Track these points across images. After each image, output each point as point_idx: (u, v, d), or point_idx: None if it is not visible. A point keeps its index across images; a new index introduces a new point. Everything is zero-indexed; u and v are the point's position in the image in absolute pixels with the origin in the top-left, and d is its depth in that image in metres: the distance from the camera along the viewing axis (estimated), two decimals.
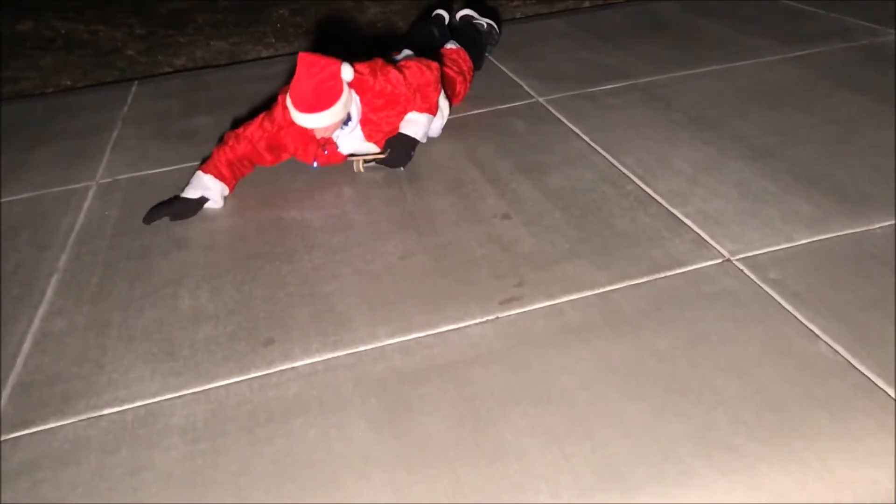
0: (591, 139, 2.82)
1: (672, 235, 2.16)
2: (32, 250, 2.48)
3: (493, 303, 1.96)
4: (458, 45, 3.27)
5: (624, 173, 2.53)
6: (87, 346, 1.98)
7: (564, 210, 2.36)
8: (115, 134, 3.38)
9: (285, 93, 2.57)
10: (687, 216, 2.24)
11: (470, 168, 2.70)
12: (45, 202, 2.81)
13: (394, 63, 2.67)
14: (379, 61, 2.63)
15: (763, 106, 2.92)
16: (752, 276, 1.94)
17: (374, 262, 2.20)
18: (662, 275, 1.99)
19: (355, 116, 2.57)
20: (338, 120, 2.48)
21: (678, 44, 3.69)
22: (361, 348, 1.85)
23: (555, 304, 1.93)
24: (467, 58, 3.23)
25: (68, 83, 4.31)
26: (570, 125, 2.96)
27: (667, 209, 2.29)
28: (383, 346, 1.85)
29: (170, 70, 4.30)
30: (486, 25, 3.60)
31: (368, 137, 2.67)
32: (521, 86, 3.41)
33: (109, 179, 2.93)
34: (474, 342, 1.83)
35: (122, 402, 1.77)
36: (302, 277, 2.17)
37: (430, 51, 3.28)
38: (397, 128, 2.68)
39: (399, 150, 2.65)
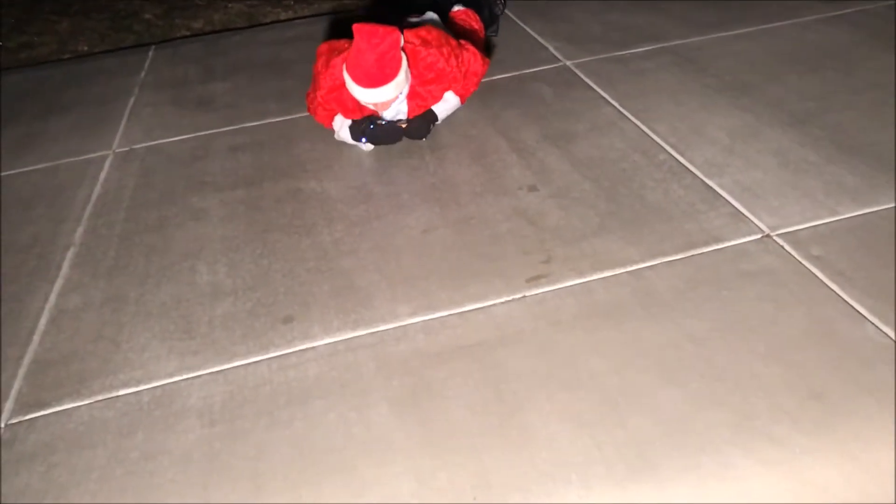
0: (621, 106, 2.70)
1: (708, 209, 2.05)
2: (48, 223, 2.43)
3: (519, 280, 1.88)
4: (465, 7, 3.14)
5: (656, 142, 2.42)
6: (103, 323, 1.93)
7: (594, 181, 2.26)
8: (131, 101, 3.30)
9: (326, 52, 2.47)
10: (723, 188, 2.14)
11: (494, 136, 2.60)
12: (62, 172, 2.76)
13: (450, 37, 2.55)
14: (434, 32, 2.49)
15: (802, 69, 2.78)
16: (794, 253, 1.84)
17: (395, 237, 2.12)
18: (698, 251, 1.90)
19: (405, 89, 2.45)
20: (400, 92, 2.38)
21: (712, 3, 3.53)
22: (383, 327, 1.79)
23: (584, 283, 1.85)
24: (477, 18, 3.10)
25: (85, 48, 4.24)
26: (599, 91, 2.84)
27: (702, 180, 2.18)
28: (406, 325, 1.79)
29: (187, 34, 4.21)
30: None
31: (412, 111, 2.55)
32: (547, 49, 3.28)
33: (126, 148, 2.87)
34: (500, 322, 1.75)
35: (139, 382, 1.73)
36: (321, 252, 2.10)
37: (438, 12, 3.16)
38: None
39: (420, 122, 2.55)
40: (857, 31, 3.02)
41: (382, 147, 2.58)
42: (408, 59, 2.40)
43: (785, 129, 2.39)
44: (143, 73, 3.61)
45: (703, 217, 2.02)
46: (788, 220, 1.96)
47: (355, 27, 2.27)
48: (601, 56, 3.13)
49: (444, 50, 2.46)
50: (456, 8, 3.13)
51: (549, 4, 3.72)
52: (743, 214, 2.01)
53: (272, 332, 1.82)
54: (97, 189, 2.60)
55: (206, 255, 2.16)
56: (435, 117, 2.58)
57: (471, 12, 3.13)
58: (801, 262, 1.80)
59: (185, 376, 1.73)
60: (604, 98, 2.77)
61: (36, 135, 3.08)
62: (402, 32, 2.38)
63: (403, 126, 2.53)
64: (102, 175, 2.69)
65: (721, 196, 2.10)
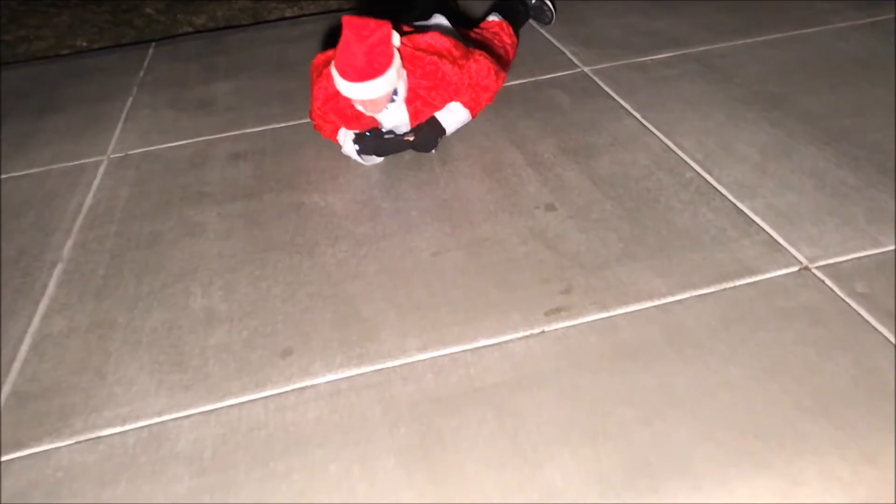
0: (643, 117, 2.55)
1: (740, 235, 1.91)
2: (37, 234, 2.30)
3: (537, 313, 1.74)
4: (501, 17, 2.95)
5: (682, 159, 2.27)
6: (88, 352, 1.80)
7: (616, 201, 2.11)
8: (129, 102, 3.17)
9: (321, 65, 2.33)
10: (756, 212, 1.99)
11: (509, 149, 2.46)
12: (53, 179, 2.62)
13: (465, 44, 2.39)
14: (438, 39, 2.35)
15: (836, 81, 2.63)
16: (836, 289, 1.69)
17: (403, 259, 1.98)
18: (731, 284, 1.75)
19: (402, 92, 2.30)
20: (390, 90, 2.22)
21: (736, 7, 3.37)
22: (389, 364, 1.65)
23: (608, 318, 1.70)
24: (511, 33, 2.92)
25: (84, 44, 4.10)
26: (619, 100, 2.68)
27: (732, 203, 2.04)
28: (414, 362, 1.65)
29: (189, 30, 4.06)
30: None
31: (413, 118, 2.39)
32: (564, 53, 3.13)
33: (121, 154, 2.74)
34: (516, 362, 1.61)
35: (124, 420, 1.59)
36: (324, 274, 1.96)
37: (460, 16, 3.01)
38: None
39: (428, 133, 2.40)
40: (893, 40, 2.86)
41: (390, 158, 2.44)
42: (404, 61, 2.25)
43: (820, 147, 2.24)
44: (142, 72, 3.47)
45: (735, 245, 1.87)
46: (828, 251, 1.82)
47: (344, 19, 2.14)
48: (621, 62, 2.99)
49: (447, 58, 2.31)
50: (490, 18, 2.95)
51: (565, 5, 3.56)
52: (778, 243, 1.86)
53: (269, 366, 1.68)
54: (89, 198, 2.46)
55: (201, 275, 2.02)
56: (443, 130, 2.42)
57: (504, 24, 2.93)
58: (844, 300, 1.65)
59: (174, 415, 1.59)
60: (624, 108, 2.62)
61: (30, 135, 2.95)
62: (399, 32, 2.24)
63: (410, 139, 2.37)
64: (96, 182, 2.56)
65: (754, 222, 1.95)
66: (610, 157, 2.34)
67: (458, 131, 2.55)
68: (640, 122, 2.51)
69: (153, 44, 3.86)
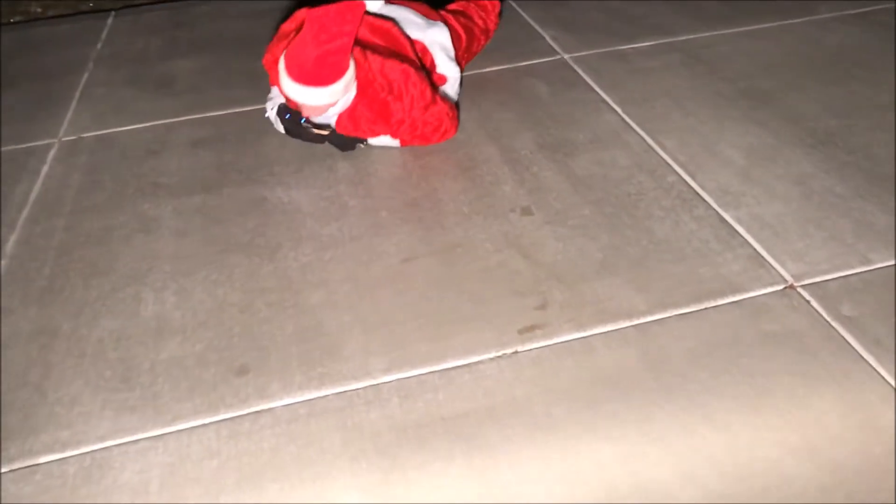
0: (624, 112, 2.44)
1: (723, 248, 1.82)
2: None
3: (510, 331, 1.64)
4: None
5: (664, 159, 2.18)
6: (29, 364, 1.67)
7: (595, 206, 2.01)
8: (84, 78, 2.99)
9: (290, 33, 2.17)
10: (740, 223, 1.90)
11: (485, 143, 2.34)
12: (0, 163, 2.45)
13: (425, 83, 2.18)
14: (409, 74, 2.13)
15: (824, 77, 2.54)
16: (821, 311, 1.62)
17: (370, 266, 1.87)
18: (713, 304, 1.67)
19: (341, 103, 2.13)
20: (332, 102, 2.08)
21: None
22: (352, 386, 1.55)
23: (585, 338, 1.61)
24: (498, 6, 2.76)
25: (38, 10, 3.87)
26: (600, 92, 2.58)
27: (716, 212, 1.95)
28: (378, 384, 1.55)
29: (150, 0, 3.84)
30: None
31: (340, 128, 2.22)
32: (543, 38, 3.00)
33: (74, 137, 2.57)
34: (488, 387, 1.52)
35: (64, 446, 1.48)
36: (286, 281, 1.84)
37: None
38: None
39: (346, 139, 2.25)
40: (882, 33, 2.77)
41: (358, 152, 2.31)
42: (358, 84, 2.10)
43: (807, 151, 2.15)
44: (99, 45, 3.29)
45: (718, 259, 1.79)
46: (815, 268, 1.74)
47: (308, 13, 1.97)
48: (602, 50, 2.87)
49: (406, 101, 2.14)
50: None
51: None
52: (763, 258, 1.78)
53: (223, 386, 1.57)
54: (37, 186, 2.31)
55: (153, 278, 1.89)
56: (364, 140, 2.28)
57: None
58: (830, 324, 1.58)
59: (118, 441, 1.48)
60: (606, 102, 2.51)
61: None
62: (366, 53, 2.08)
63: (325, 133, 2.22)
64: (45, 169, 2.40)
65: (738, 233, 1.86)
66: (589, 155, 2.23)
67: None
68: (622, 118, 2.41)
69: (113, 13, 3.65)
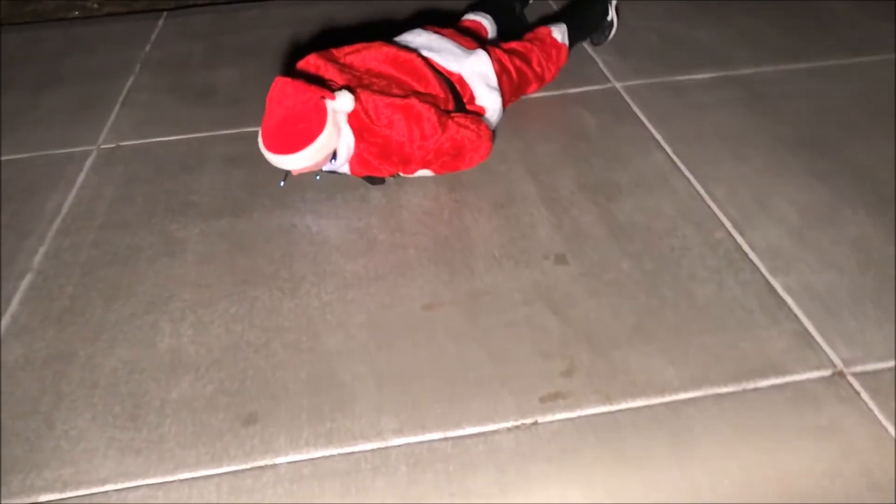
0: (674, 151, 2.32)
1: (768, 321, 1.70)
2: (11, 236, 2.15)
3: (532, 399, 1.55)
4: (567, 41, 2.61)
5: (713, 211, 2.06)
6: (41, 390, 1.65)
7: (635, 260, 1.90)
8: (130, 81, 2.98)
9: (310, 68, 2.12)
10: (789, 292, 1.78)
11: (524, 178, 2.25)
12: (38, 168, 2.46)
13: (434, 113, 2.04)
14: (414, 107, 2.01)
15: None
16: (873, 407, 1.49)
17: (392, 310, 1.80)
18: (752, 385, 1.56)
19: (343, 155, 2.05)
20: (312, 164, 1.99)
21: (791, 23, 3.09)
22: (360, 447, 1.48)
23: (611, 413, 1.52)
24: (565, 60, 2.61)
25: (95, 6, 3.89)
26: (650, 127, 2.45)
27: (763, 277, 1.82)
28: (387, 447, 1.48)
29: (204, 0, 3.83)
30: (612, 20, 2.94)
31: (355, 174, 2.17)
32: (595, 63, 2.88)
33: (112, 145, 2.56)
34: (503, 460, 1.44)
35: (65, 486, 1.45)
36: (305, 321, 1.79)
37: (509, 17, 2.74)
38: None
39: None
40: None
41: (391, 181, 2.24)
42: (355, 132, 2.01)
43: (870, 214, 2.01)
44: (148, 47, 3.28)
45: (762, 333, 1.67)
46: (869, 353, 1.61)
47: (276, 81, 1.91)
48: (656, 79, 2.74)
49: (413, 134, 2.02)
50: (554, 33, 2.57)
51: None
52: (811, 336, 1.65)
53: (229, 435, 1.52)
54: (71, 196, 2.30)
55: (173, 307, 1.85)
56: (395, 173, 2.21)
57: (565, 51, 2.58)
58: (883, 426, 1.45)
59: (119, 486, 1.44)
60: (655, 139, 2.39)
61: (23, 113, 2.80)
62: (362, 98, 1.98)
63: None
64: (80, 178, 2.39)
65: (786, 304, 1.74)
66: (633, 200, 2.12)
67: None
68: (671, 159, 2.29)
69: (164, 13, 3.64)
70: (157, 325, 1.81)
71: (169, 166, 2.42)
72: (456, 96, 2.18)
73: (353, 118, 1.97)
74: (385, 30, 2.88)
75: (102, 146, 2.56)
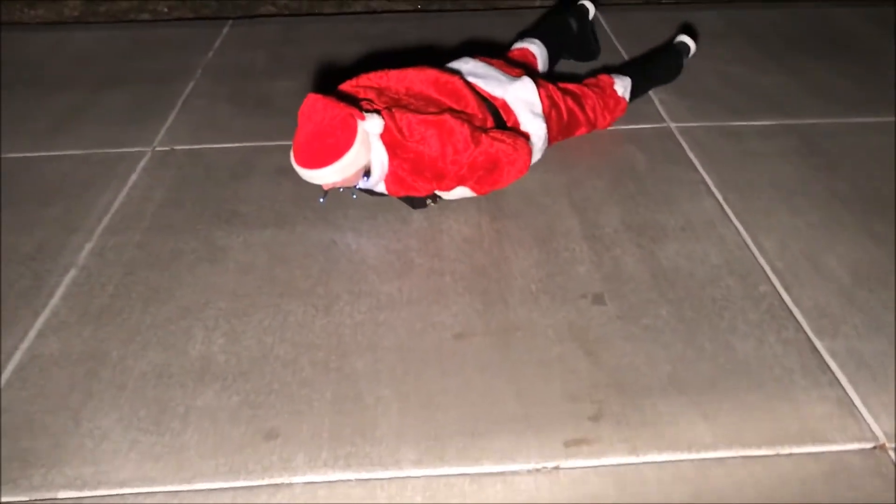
0: (724, 199, 2.27)
1: (809, 384, 1.64)
2: (59, 230, 2.20)
3: (556, 442, 1.52)
4: (628, 95, 2.59)
5: (759, 264, 2.00)
6: (72, 387, 1.68)
7: (675, 306, 1.86)
8: (189, 87, 3.05)
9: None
10: (833, 356, 1.71)
11: (567, 213, 2.22)
12: (91, 165, 2.52)
13: (462, 125, 2.05)
14: (446, 119, 2.03)
15: None
16: None
17: (423, 336, 1.79)
18: (787, 450, 1.50)
19: (377, 173, 2.05)
20: (342, 179, 1.99)
21: (858, 74, 3.01)
22: (377, 475, 1.47)
23: (636, 465, 1.48)
24: (621, 114, 2.58)
25: (165, 10, 4.01)
26: (702, 172, 2.41)
27: (807, 337, 1.76)
28: (405, 478, 1.46)
29: (271, 10, 3.91)
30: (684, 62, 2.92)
31: (392, 193, 2.17)
32: (652, 101, 2.85)
33: (167, 148, 2.62)
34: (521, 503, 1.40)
35: (84, 484, 1.47)
36: (336, 339, 1.79)
37: (560, 52, 2.74)
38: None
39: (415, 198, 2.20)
40: None
41: (435, 206, 2.23)
42: (387, 146, 2.01)
43: None
44: (210, 53, 3.36)
45: (801, 396, 1.61)
46: None
47: (307, 98, 1.95)
48: (712, 123, 2.70)
49: (447, 149, 2.02)
50: (617, 83, 2.56)
51: (664, 39, 3.25)
52: (854, 405, 1.59)
53: (250, 448, 1.52)
54: (122, 196, 2.35)
55: (208, 314, 1.87)
56: (434, 194, 2.20)
57: (624, 104, 2.56)
58: None
59: (136, 490, 1.46)
60: (706, 184, 2.34)
61: (82, 109, 2.88)
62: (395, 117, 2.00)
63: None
64: (133, 178, 2.45)
65: (829, 368, 1.67)
66: (678, 245, 2.08)
67: (517, 182, 2.32)
68: (720, 205, 2.24)
69: (230, 22, 3.73)
70: (190, 331, 1.83)
71: (219, 173, 2.46)
72: (499, 121, 2.17)
73: (385, 135, 1.99)
74: (437, 53, 2.91)
75: (157, 148, 2.61)
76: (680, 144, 2.57)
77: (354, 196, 2.20)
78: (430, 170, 2.04)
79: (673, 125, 2.69)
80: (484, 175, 2.10)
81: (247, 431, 1.56)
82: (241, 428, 1.57)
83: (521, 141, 2.13)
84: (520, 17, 3.53)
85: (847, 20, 3.52)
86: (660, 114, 2.76)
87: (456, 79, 2.17)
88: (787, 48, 3.24)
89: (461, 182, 2.11)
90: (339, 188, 2.13)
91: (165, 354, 1.76)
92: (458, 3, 3.91)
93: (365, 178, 2.06)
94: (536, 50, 2.64)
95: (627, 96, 2.56)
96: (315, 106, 1.91)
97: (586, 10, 2.95)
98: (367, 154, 1.97)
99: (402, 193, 2.15)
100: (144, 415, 1.61)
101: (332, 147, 1.90)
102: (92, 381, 1.69)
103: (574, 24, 2.88)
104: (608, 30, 3.43)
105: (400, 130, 1.98)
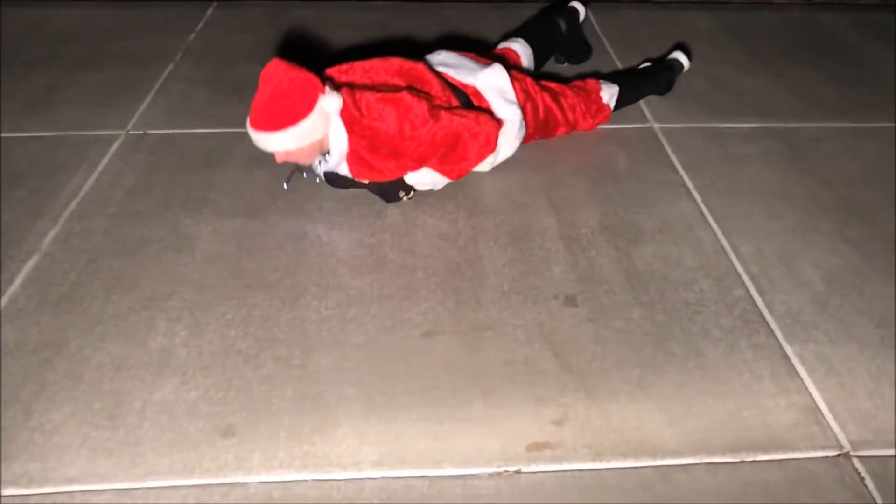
0: (703, 201, 2.24)
1: (777, 390, 1.62)
2: (24, 214, 2.15)
3: (518, 445, 1.50)
4: (613, 103, 2.55)
5: (735, 267, 1.98)
6: (26, 377, 1.64)
7: (647, 309, 1.84)
8: (168, 69, 3.00)
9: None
10: (803, 361, 1.69)
11: (545, 211, 2.19)
12: (63, 148, 2.47)
13: (419, 100, 2.02)
14: (403, 96, 2.00)
15: None
16: (875, 495, 1.40)
17: (391, 334, 1.76)
18: (752, 457, 1.48)
19: (336, 151, 2.02)
20: (301, 147, 1.95)
21: (843, 78, 2.99)
22: (334, 476, 1.44)
23: (599, 470, 1.45)
24: (603, 120, 2.56)
25: None
26: (682, 174, 2.38)
27: (778, 343, 1.74)
28: (362, 479, 1.44)
29: None
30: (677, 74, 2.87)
31: (356, 175, 2.13)
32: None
33: (140, 132, 2.56)
34: None
35: (31, 481, 1.43)
36: (300, 335, 1.75)
37: (548, 52, 2.70)
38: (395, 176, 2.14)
39: (384, 184, 2.16)
40: None
41: (412, 200, 2.20)
42: (346, 124, 1.98)
43: None
44: (192, 36, 3.30)
45: (768, 403, 1.59)
46: (879, 437, 1.52)
47: (269, 64, 1.91)
48: (696, 124, 2.67)
49: (404, 120, 1.99)
50: (604, 90, 2.53)
51: (653, 39, 3.23)
52: (820, 413, 1.57)
53: (205, 446, 1.49)
54: (91, 180, 2.31)
55: (171, 305, 1.83)
56: (406, 187, 2.16)
57: (593, 89, 2.52)
58: None
59: (85, 487, 1.42)
60: (686, 186, 2.32)
61: (58, 89, 2.82)
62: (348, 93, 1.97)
63: (365, 181, 2.16)
64: (104, 161, 2.40)
65: (798, 375, 1.66)
66: (654, 247, 2.05)
67: (497, 176, 2.31)
68: (699, 208, 2.21)
69: (214, 3, 3.66)
70: (152, 322, 1.79)
71: (193, 159, 2.41)
72: (469, 107, 2.15)
73: (344, 112, 1.96)
74: (419, 45, 2.86)
75: (131, 132, 2.56)
76: (662, 146, 2.55)
77: (318, 181, 2.16)
78: (387, 147, 2.00)
79: (656, 126, 2.66)
80: (447, 153, 2.06)
81: (204, 429, 1.53)
82: (198, 424, 1.53)
83: (483, 116, 2.11)
84: (513, 10, 3.49)
85: (834, 25, 3.50)
86: (644, 114, 2.73)
87: (420, 64, 2.16)
88: (774, 51, 3.22)
89: (422, 161, 2.07)
90: (302, 173, 2.09)
91: (125, 346, 1.72)
92: None
93: (325, 158, 2.03)
94: (520, 49, 2.61)
95: (613, 104, 2.54)
96: (277, 70, 1.88)
97: (577, 12, 2.91)
98: (324, 128, 1.94)
99: (366, 175, 2.10)
100: (99, 408, 1.57)
101: (290, 111, 1.88)
102: (47, 372, 1.65)
103: (563, 24, 2.85)
104: (597, 28, 3.39)
105: (358, 108, 1.96)
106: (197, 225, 2.11)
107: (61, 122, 2.60)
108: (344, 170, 2.09)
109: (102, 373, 1.65)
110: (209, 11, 3.57)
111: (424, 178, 2.14)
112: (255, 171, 2.35)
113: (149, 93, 2.82)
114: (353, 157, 2.03)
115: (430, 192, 2.22)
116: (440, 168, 2.11)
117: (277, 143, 1.90)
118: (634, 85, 2.70)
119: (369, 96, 1.98)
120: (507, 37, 2.74)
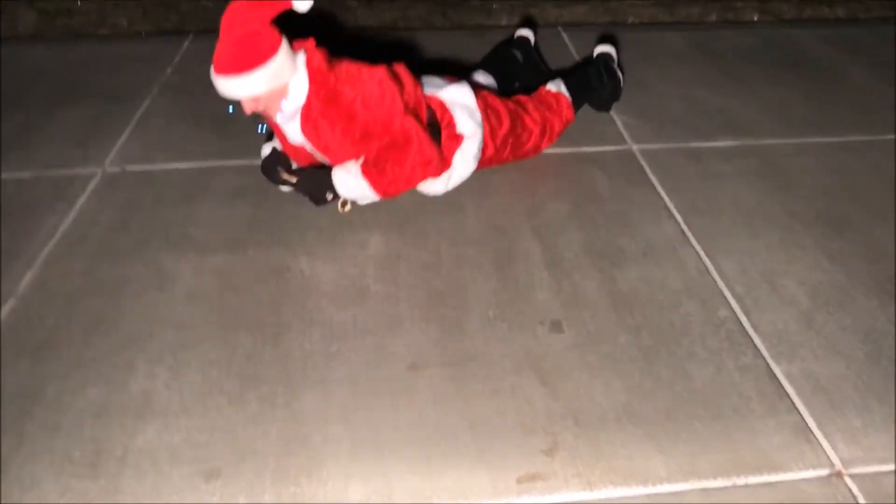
0: (685, 222, 2.25)
1: (766, 411, 1.61)
2: (2, 257, 2.10)
3: (509, 478, 1.48)
4: (565, 91, 2.59)
5: (719, 288, 1.98)
6: (3, 429, 1.60)
7: (633, 334, 1.83)
8: (145, 104, 2.98)
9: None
10: (791, 381, 1.69)
11: (528, 237, 2.19)
12: (41, 188, 2.44)
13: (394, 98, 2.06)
14: (379, 71, 2.05)
15: None
16: None
17: (376, 368, 1.74)
18: (743, 480, 1.47)
19: (294, 99, 2.00)
20: (264, 92, 1.94)
21: (816, 94, 3.03)
22: None
23: (589, 501, 1.43)
24: (568, 112, 2.59)
25: (125, 23, 3.91)
26: (663, 195, 2.39)
27: (766, 363, 1.74)
28: None
29: None
30: (620, 76, 2.90)
31: (304, 131, 2.09)
32: (615, 122, 2.83)
33: (118, 169, 2.54)
34: None
35: None
36: (284, 373, 1.73)
37: (509, 81, 2.74)
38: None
39: (313, 179, 2.17)
40: None
41: (394, 229, 2.19)
42: (310, 78, 1.99)
43: (883, 302, 1.92)
44: (169, 69, 3.29)
45: (758, 424, 1.58)
46: (870, 454, 1.52)
47: (231, 4, 1.88)
48: (674, 145, 2.68)
49: (370, 98, 2.01)
50: (550, 87, 2.59)
51: (628, 60, 3.25)
52: (811, 432, 1.56)
53: (188, 491, 1.46)
54: (69, 220, 2.28)
55: (152, 347, 1.80)
56: (332, 187, 2.15)
57: (565, 100, 2.57)
58: None
59: None
60: (668, 208, 2.32)
61: (34, 129, 2.80)
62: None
63: (293, 181, 2.19)
64: (81, 201, 2.37)
65: (786, 394, 1.65)
66: (639, 270, 2.05)
67: (478, 202, 2.30)
68: (681, 229, 2.22)
69: (190, 36, 3.66)
70: (133, 364, 1.76)
71: (171, 195, 2.39)
72: (433, 119, 2.17)
73: (312, 60, 1.97)
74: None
75: (108, 169, 2.54)
76: (642, 167, 2.56)
77: (260, 131, 2.20)
78: (345, 109, 1.99)
79: (635, 147, 2.67)
80: (390, 146, 2.05)
81: (187, 472, 1.49)
82: (181, 469, 1.50)
83: (435, 144, 2.12)
84: (487, 37, 3.51)
85: (805, 42, 3.55)
86: (622, 136, 2.74)
87: (401, 64, 2.20)
88: (748, 70, 3.25)
89: (366, 138, 2.05)
90: (259, 125, 2.11)
91: (105, 389, 1.69)
92: (425, 21, 3.88)
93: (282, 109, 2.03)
94: (482, 79, 2.66)
95: (564, 91, 2.57)
96: (238, 10, 1.84)
97: (527, 39, 3.01)
98: (291, 70, 1.94)
99: (312, 135, 2.07)
100: (79, 457, 1.53)
101: (257, 52, 1.86)
102: (24, 422, 1.61)
103: (518, 54, 2.90)
104: (573, 50, 3.42)
105: (329, 65, 1.99)
106: (177, 262, 2.09)
107: (37, 162, 2.57)
108: (294, 129, 2.07)
109: (82, 419, 1.61)
110: (185, 44, 3.57)
111: (351, 184, 2.13)
112: (236, 205, 2.34)
113: (126, 129, 2.80)
114: (306, 114, 2.02)
115: (412, 222, 2.20)
116: (373, 169, 2.09)
117: (246, 87, 1.90)
118: (573, 73, 2.75)
119: (347, 62, 2.02)
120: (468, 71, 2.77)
